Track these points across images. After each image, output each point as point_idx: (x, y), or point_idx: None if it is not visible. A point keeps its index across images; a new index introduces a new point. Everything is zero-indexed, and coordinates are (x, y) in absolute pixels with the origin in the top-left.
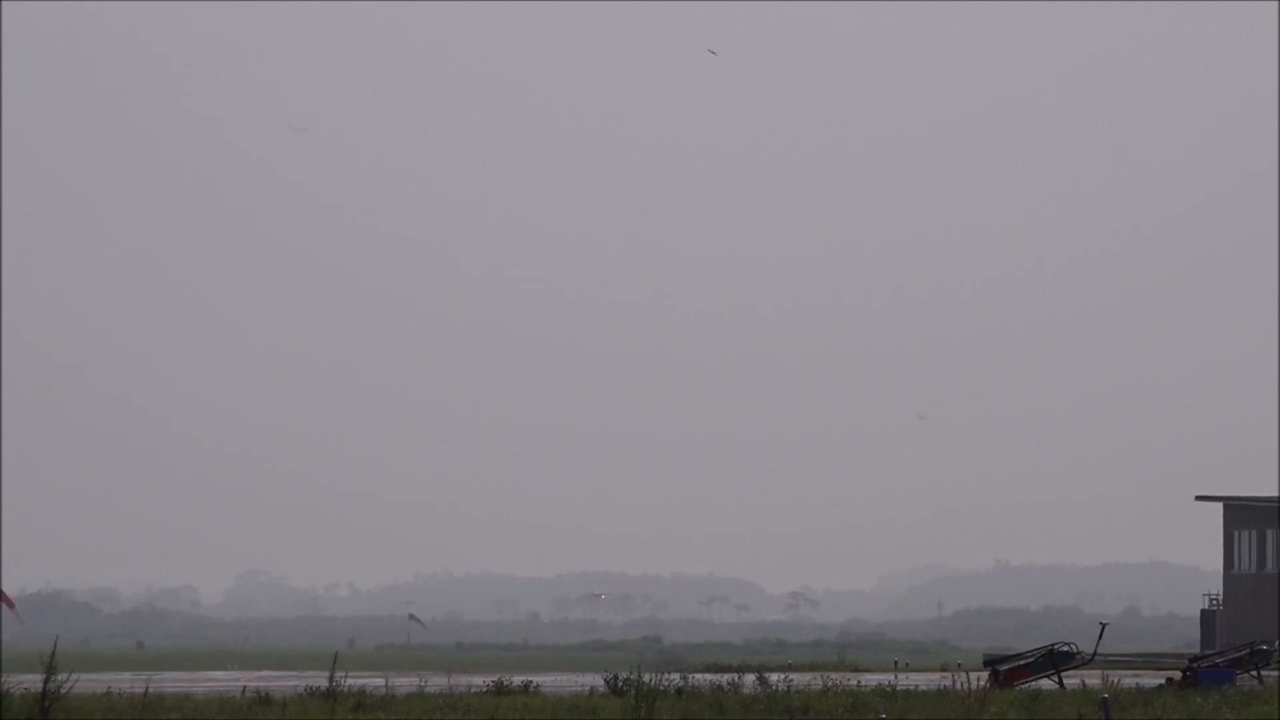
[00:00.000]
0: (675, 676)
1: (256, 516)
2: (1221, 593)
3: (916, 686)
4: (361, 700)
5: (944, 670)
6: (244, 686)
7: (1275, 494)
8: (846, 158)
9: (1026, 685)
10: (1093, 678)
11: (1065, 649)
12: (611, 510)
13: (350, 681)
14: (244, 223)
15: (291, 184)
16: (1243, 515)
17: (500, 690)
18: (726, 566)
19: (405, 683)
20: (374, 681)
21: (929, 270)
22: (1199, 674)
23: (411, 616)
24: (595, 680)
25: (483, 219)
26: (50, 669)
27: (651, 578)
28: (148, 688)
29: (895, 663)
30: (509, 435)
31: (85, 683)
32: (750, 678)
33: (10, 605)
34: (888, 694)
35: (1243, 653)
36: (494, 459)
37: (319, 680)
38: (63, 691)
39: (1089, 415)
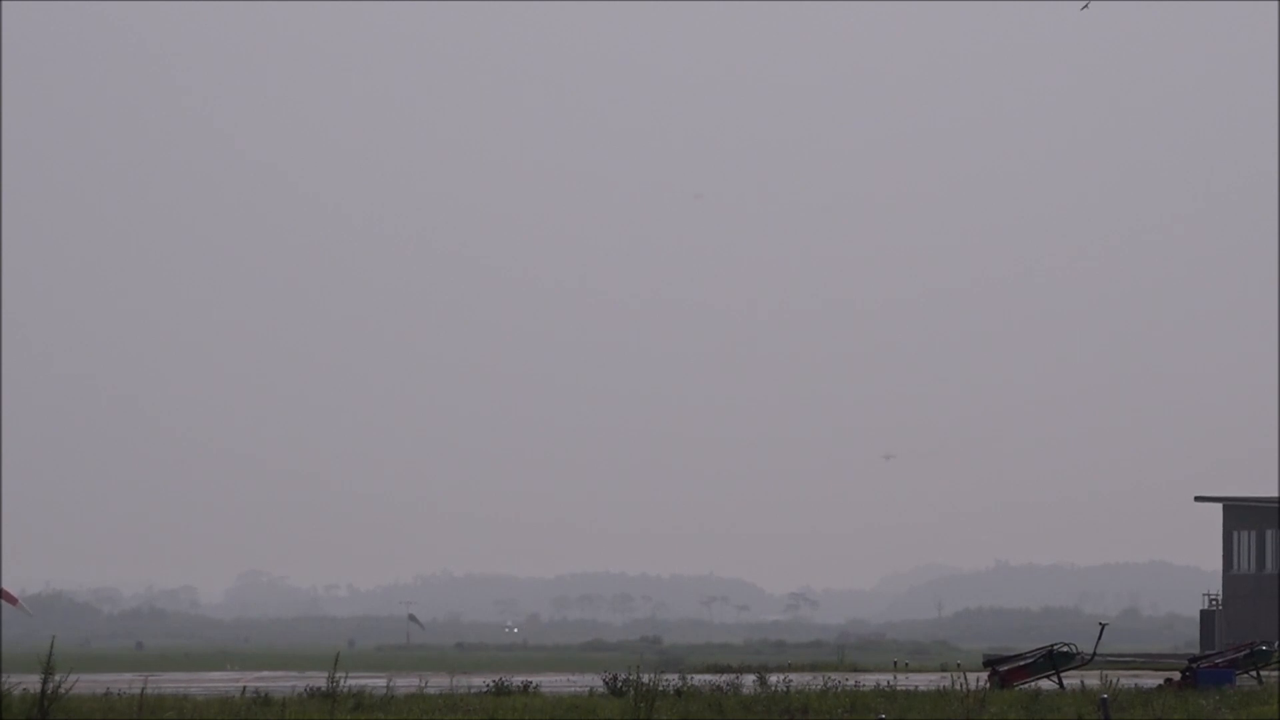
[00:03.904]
0: (674, 677)
1: (256, 516)
2: (1221, 593)
3: (916, 687)
4: (361, 700)
5: (944, 671)
6: (244, 687)
7: (1275, 494)
8: (846, 158)
9: (1026, 685)
10: (1092, 678)
11: (1065, 649)
12: (611, 510)
13: (350, 682)
14: (244, 223)
15: (291, 184)
16: (1242, 515)
17: (500, 691)
18: (726, 566)
19: (405, 683)
20: (374, 682)
21: (929, 270)
22: (1199, 674)
23: (411, 617)
24: (595, 681)
25: (483, 219)
26: (48, 669)
27: (651, 578)
28: (144, 688)
29: (895, 663)
30: (509, 435)
31: (85, 683)
32: (750, 678)
33: (14, 601)
34: (887, 694)
35: (1242, 653)
36: (494, 459)
37: (319, 680)
38: (62, 692)
39: (1089, 415)
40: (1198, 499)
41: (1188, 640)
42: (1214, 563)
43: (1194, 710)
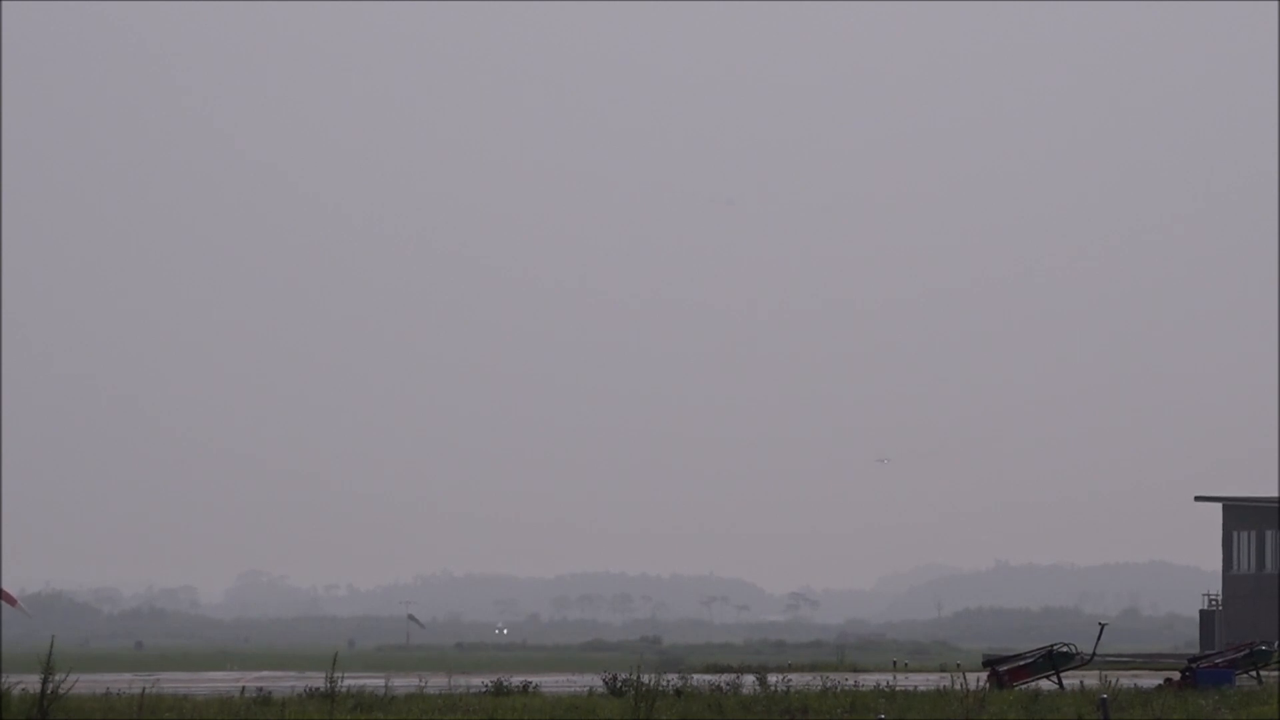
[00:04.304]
0: (674, 677)
1: (256, 516)
2: (1221, 593)
3: (916, 687)
4: (361, 700)
5: (943, 671)
6: (244, 686)
7: (1275, 494)
8: (846, 158)
9: (1026, 685)
10: (1092, 678)
11: (1065, 649)
12: (611, 510)
13: (350, 682)
14: (244, 223)
15: (291, 184)
16: (1242, 515)
17: (499, 691)
18: (726, 566)
19: (405, 683)
20: (374, 682)
21: (929, 270)
22: (1198, 674)
23: (411, 617)
24: (595, 681)
25: (483, 219)
26: (48, 669)
27: (651, 578)
28: (144, 689)
29: (895, 663)
30: (509, 435)
31: (85, 683)
32: (750, 678)
33: (13, 602)
34: (887, 694)
35: (1242, 653)
36: (494, 459)
37: (319, 680)
38: (62, 692)
39: (1089, 415)
40: (1198, 499)
41: (1188, 640)
42: (1214, 563)
43: (1194, 710)
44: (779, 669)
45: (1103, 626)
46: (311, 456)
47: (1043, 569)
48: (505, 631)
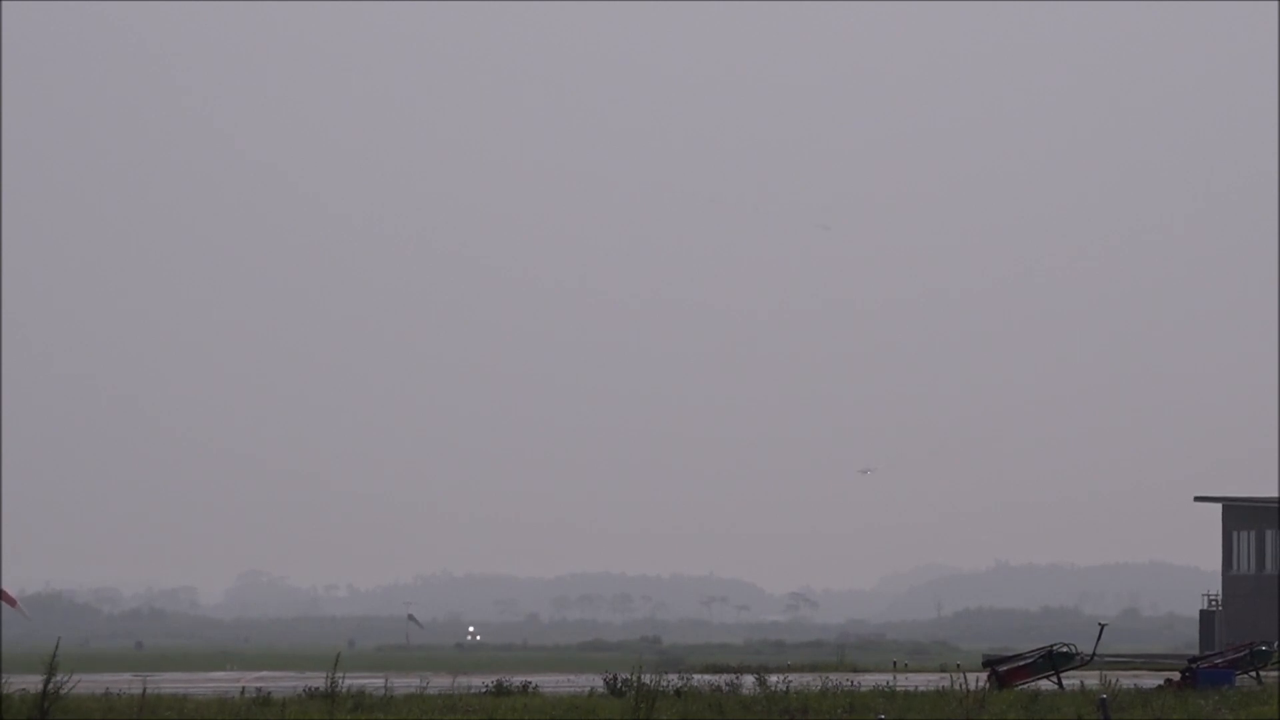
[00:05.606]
0: (674, 677)
1: (256, 516)
2: (1221, 593)
3: (916, 687)
4: (361, 701)
5: (943, 671)
6: (244, 687)
7: (1275, 494)
8: (846, 158)
9: (1026, 686)
10: (1092, 678)
11: (1064, 650)
12: (611, 510)
13: (350, 682)
14: (244, 223)
15: (291, 184)
16: (1242, 516)
17: (500, 691)
18: (726, 566)
19: (405, 683)
20: (374, 682)
21: (929, 270)
22: (1198, 674)
23: (410, 617)
24: (595, 681)
25: (483, 219)
26: (51, 670)
27: (651, 578)
28: (144, 688)
29: (895, 663)
30: (509, 435)
31: (85, 683)
32: (750, 678)
33: (12, 603)
34: (887, 694)
35: (1242, 653)
36: (494, 459)
37: (319, 680)
38: (62, 692)
39: (1089, 415)
40: (1198, 499)
41: (1188, 640)
42: (1214, 563)
43: (1193, 710)
44: (779, 669)
45: (1103, 627)
46: (311, 456)
47: (1042, 569)
48: (479, 637)
